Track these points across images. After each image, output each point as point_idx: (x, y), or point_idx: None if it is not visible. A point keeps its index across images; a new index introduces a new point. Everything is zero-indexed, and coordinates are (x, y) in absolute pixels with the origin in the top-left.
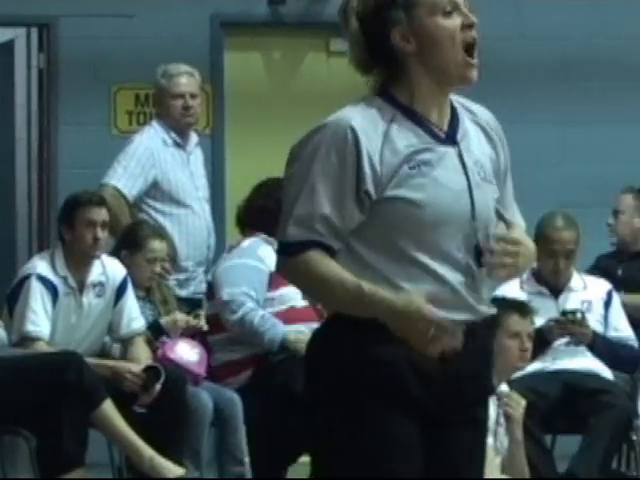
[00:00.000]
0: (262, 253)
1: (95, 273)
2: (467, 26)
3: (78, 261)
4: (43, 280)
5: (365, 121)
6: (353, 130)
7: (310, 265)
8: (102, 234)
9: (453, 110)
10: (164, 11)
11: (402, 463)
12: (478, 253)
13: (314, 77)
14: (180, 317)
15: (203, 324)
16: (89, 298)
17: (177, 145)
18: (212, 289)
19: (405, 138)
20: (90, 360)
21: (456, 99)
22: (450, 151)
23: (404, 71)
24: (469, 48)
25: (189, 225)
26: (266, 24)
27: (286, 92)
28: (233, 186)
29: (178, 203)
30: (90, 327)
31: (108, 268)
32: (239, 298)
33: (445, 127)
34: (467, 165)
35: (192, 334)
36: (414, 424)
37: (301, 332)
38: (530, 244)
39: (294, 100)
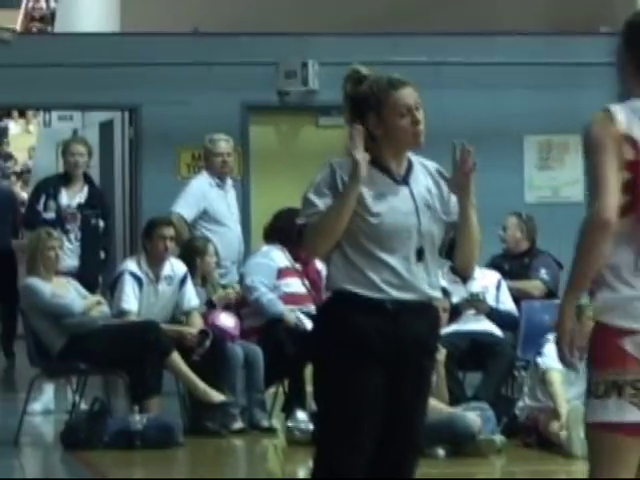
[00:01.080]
0: (273, 255)
1: (166, 269)
2: (414, 122)
3: (155, 261)
4: (132, 274)
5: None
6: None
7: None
8: (170, 244)
9: (410, 163)
10: (210, 99)
11: (370, 398)
12: (421, 254)
13: (308, 143)
14: (221, 292)
15: (232, 297)
16: (162, 286)
17: (219, 187)
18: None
19: (375, 180)
20: (164, 326)
21: (415, 158)
22: (404, 188)
23: (374, 140)
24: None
25: (227, 238)
26: (277, 107)
27: (290, 153)
28: (255, 213)
29: (220, 224)
30: (163, 305)
31: (175, 266)
32: (255, 284)
33: (402, 173)
34: (415, 197)
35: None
36: (378, 372)
37: (293, 312)
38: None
39: (295, 159)
